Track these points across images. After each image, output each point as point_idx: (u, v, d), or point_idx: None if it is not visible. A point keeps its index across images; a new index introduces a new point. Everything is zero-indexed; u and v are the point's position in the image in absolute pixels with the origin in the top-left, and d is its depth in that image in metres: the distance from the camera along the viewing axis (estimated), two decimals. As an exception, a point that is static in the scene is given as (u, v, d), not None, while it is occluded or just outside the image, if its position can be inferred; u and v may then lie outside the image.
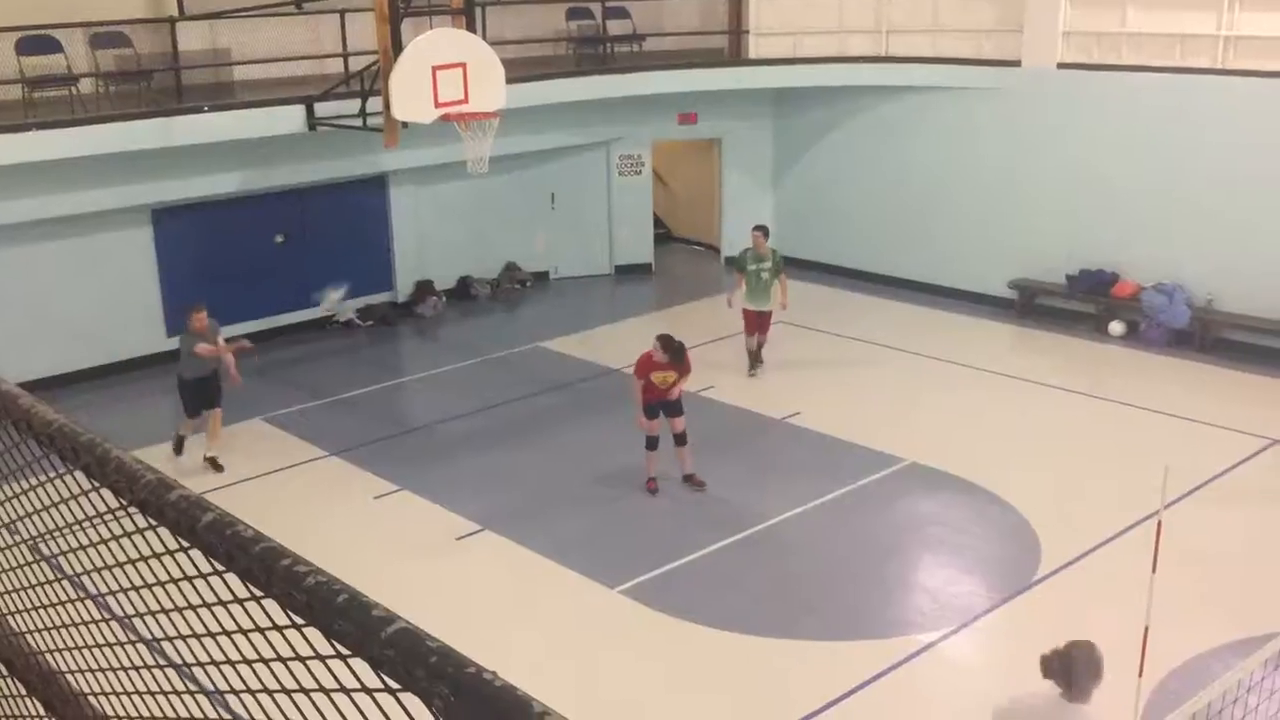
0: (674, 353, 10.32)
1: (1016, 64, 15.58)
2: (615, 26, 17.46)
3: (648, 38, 17.33)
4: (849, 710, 7.39)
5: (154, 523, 1.51)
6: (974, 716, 6.23)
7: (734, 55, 17.75)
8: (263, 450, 11.82)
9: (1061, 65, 15.21)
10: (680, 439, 10.60)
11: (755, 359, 13.66)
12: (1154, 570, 6.04)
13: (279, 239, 15.67)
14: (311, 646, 1.30)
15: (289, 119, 13.50)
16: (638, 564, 9.30)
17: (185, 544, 1.45)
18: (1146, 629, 5.86)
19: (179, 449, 11.44)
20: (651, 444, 10.56)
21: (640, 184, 18.51)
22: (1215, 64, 13.95)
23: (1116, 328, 14.80)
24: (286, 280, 15.66)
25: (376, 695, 1.21)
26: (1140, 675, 5.93)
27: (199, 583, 1.50)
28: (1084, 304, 15.18)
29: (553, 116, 16.56)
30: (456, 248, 17.22)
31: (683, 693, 7.72)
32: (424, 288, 16.91)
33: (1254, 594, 8.55)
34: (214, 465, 11.27)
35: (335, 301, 15.92)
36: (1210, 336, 14.01)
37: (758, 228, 13.55)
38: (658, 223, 19.64)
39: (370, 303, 16.46)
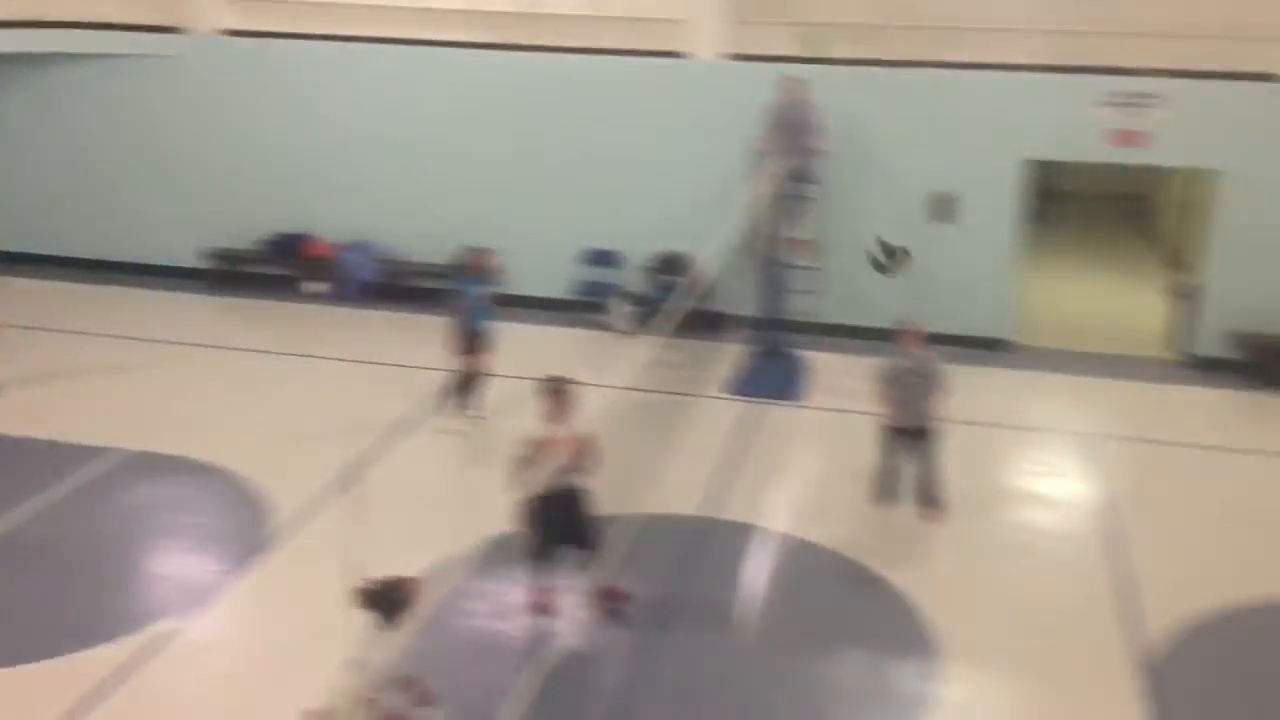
0: None
1: (182, 30, 15.36)
2: None
3: None
4: (110, 710, 6.96)
5: None
6: (233, 686, 6.24)
7: None
8: None
9: (229, 32, 15.31)
10: None
11: None
12: (364, 506, 6.48)
13: None
14: None
15: None
16: None
17: None
18: (362, 560, 6.29)
19: None
20: None
21: None
22: (375, 34, 15.01)
23: (314, 287, 15.43)
24: None
25: None
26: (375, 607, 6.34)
27: None
28: (281, 267, 15.57)
29: None
30: None
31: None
32: None
33: (475, 505, 9.56)
34: None
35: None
36: (398, 286, 15.21)
37: None
38: None
39: None
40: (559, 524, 7.78)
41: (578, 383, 7.83)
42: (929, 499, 9.81)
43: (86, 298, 15.11)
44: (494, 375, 11.39)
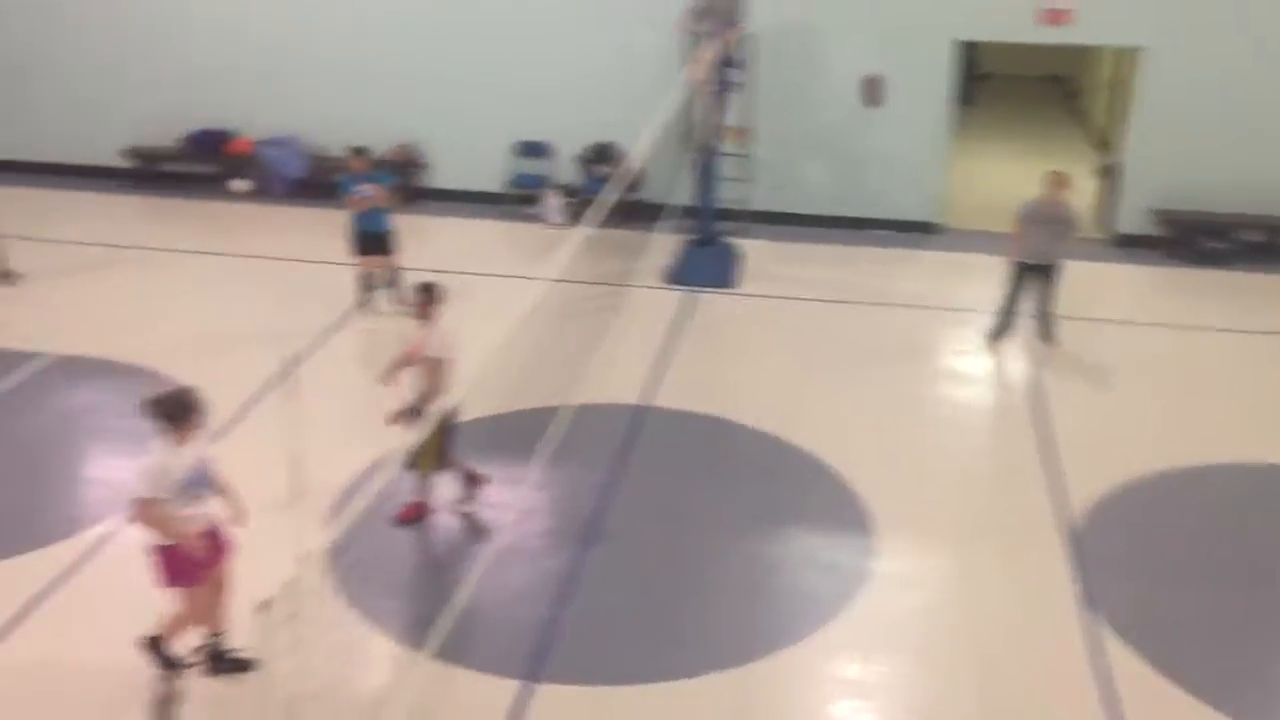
0: None
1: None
2: None
3: None
4: (32, 628, 6.97)
5: None
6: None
7: None
8: None
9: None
10: None
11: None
12: (293, 398, 6.47)
13: None
14: None
15: None
16: None
17: None
18: (295, 455, 6.31)
19: None
20: None
21: None
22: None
23: (239, 184, 15.10)
24: None
25: None
26: (301, 496, 6.38)
27: None
28: (204, 165, 15.20)
29: None
30: None
31: None
32: None
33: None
34: None
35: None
36: (327, 183, 14.90)
37: None
38: None
39: None
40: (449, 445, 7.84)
41: (443, 287, 7.78)
42: (1047, 333, 10.91)
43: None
44: (405, 271, 11.29)
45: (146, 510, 5.86)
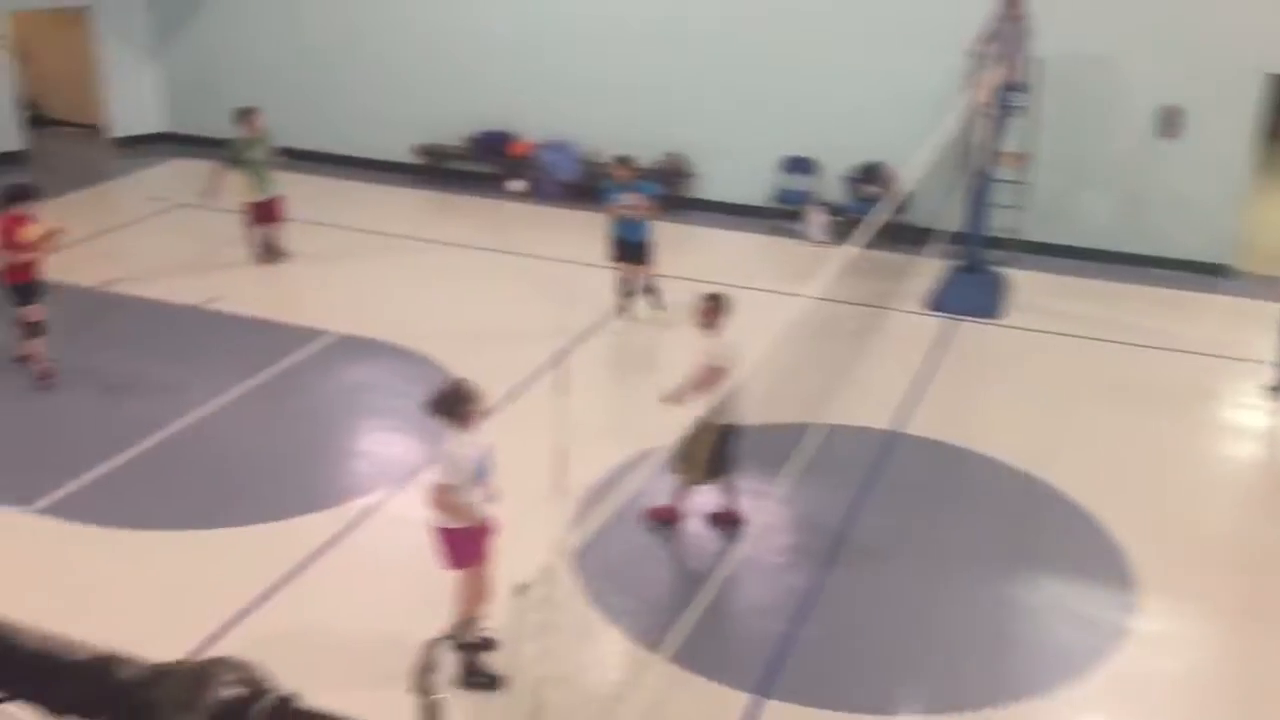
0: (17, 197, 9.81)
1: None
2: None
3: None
4: (304, 583, 7.48)
5: None
6: (428, 561, 6.59)
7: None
8: None
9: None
10: (33, 330, 10.04)
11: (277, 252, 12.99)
12: (566, 393, 6.68)
13: None
14: None
15: None
16: (54, 480, 8.58)
17: None
18: (564, 449, 6.51)
19: None
20: (33, 330, 10.01)
21: (-2, 60, 16.40)
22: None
23: (516, 185, 15.75)
24: None
25: None
26: (566, 490, 6.58)
27: None
28: (485, 165, 15.94)
29: None
30: None
31: (136, 600, 7.35)
32: None
33: (653, 408, 9.73)
34: None
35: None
36: (600, 188, 15.35)
37: (250, 110, 12.74)
38: (31, 104, 17.58)
39: None
40: (719, 457, 7.80)
41: (729, 299, 7.75)
42: None
43: (305, 188, 15.77)
44: (662, 279, 11.47)
45: (442, 495, 6.19)
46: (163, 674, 0.84)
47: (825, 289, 8.92)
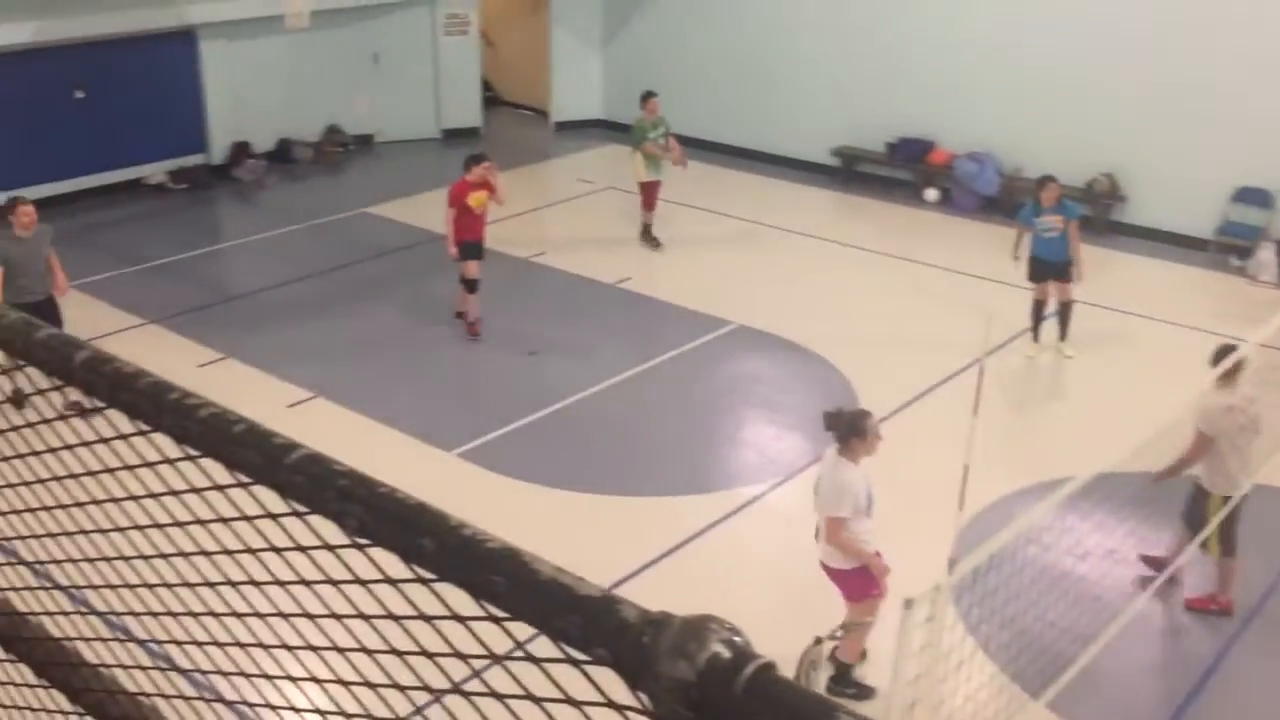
0: (476, 162, 10.68)
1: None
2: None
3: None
4: (683, 559, 7.70)
5: (22, 363, 1.47)
6: (798, 559, 6.58)
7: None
8: (74, 319, 11.24)
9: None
10: (471, 286, 10.86)
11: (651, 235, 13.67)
12: (975, 412, 6.41)
13: (79, 94, 14.68)
14: (210, 478, 1.30)
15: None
16: (474, 428, 9.36)
17: (60, 383, 1.41)
18: (967, 468, 6.25)
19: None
20: (471, 287, 10.89)
21: (466, 44, 18.01)
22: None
23: (931, 194, 15.37)
24: (88, 139, 14.75)
25: (282, 520, 1.22)
26: (961, 509, 6.34)
27: (77, 423, 1.47)
28: (902, 171, 15.68)
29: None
30: (275, 108, 16.49)
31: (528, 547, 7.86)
32: (241, 150, 16.19)
33: (1053, 441, 9.20)
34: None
35: None
36: (1017, 203, 14.68)
37: (651, 94, 13.42)
38: (486, 86, 19.21)
39: (183, 165, 15.70)
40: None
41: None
42: None
43: (725, 181, 16.22)
44: (1082, 305, 10.75)
45: (836, 529, 6.10)
46: (660, 621, 0.83)
47: (1272, 335, 8.02)
